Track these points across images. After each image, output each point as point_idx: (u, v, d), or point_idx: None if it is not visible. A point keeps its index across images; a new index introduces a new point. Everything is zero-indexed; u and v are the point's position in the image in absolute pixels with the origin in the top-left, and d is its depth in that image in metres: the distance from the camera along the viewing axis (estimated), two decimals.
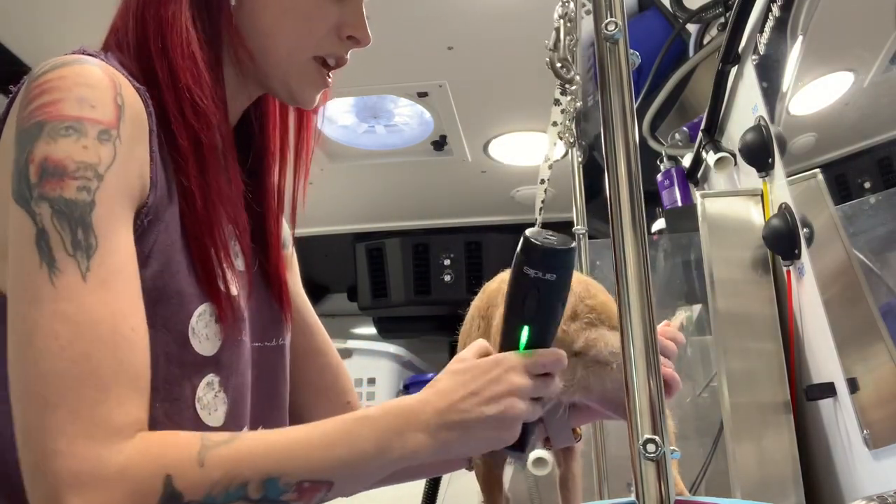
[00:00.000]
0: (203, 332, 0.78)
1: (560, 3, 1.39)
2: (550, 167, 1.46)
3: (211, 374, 0.79)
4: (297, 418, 0.98)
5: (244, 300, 0.85)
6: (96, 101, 0.72)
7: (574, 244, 0.76)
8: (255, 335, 0.88)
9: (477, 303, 0.98)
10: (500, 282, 0.96)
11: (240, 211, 0.86)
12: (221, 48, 0.85)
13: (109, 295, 0.69)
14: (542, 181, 1.45)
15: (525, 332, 0.75)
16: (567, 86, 1.36)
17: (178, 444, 0.68)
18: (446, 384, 0.73)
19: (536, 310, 0.74)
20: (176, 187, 0.79)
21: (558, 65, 1.27)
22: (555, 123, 1.47)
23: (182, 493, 0.65)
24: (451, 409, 0.72)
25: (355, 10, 0.87)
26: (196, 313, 0.78)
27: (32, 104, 0.72)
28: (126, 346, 0.68)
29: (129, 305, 0.70)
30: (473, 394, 0.72)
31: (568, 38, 1.32)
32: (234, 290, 0.82)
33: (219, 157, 0.82)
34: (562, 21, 1.35)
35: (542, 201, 1.47)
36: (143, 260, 0.74)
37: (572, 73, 1.30)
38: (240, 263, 0.86)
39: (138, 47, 0.82)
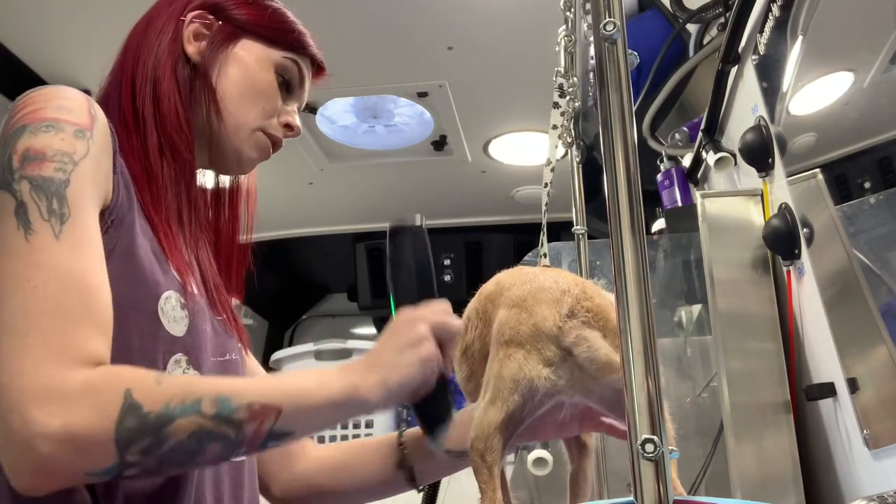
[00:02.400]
0: (171, 314, 0.86)
1: (564, 27, 1.40)
2: (552, 170, 1.46)
3: (179, 353, 0.86)
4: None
5: (203, 303, 0.94)
6: (73, 108, 0.83)
7: (403, 224, 0.91)
8: (215, 352, 0.94)
9: (474, 304, 0.98)
10: (496, 283, 0.96)
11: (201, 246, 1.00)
12: (194, 111, 0.98)
13: (79, 254, 0.76)
14: (546, 184, 1.45)
15: (391, 300, 0.91)
16: (565, 89, 1.36)
17: (137, 371, 0.76)
18: (373, 349, 0.87)
19: (391, 280, 0.91)
20: (136, 201, 0.88)
21: (562, 80, 1.29)
22: (555, 126, 1.47)
23: (141, 404, 0.72)
24: (377, 356, 0.85)
25: (292, 109, 1.06)
26: (163, 296, 0.86)
27: (16, 116, 0.81)
28: (93, 295, 0.76)
29: (97, 266, 0.78)
30: (392, 343, 0.86)
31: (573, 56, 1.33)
32: (190, 288, 0.91)
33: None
34: (564, 39, 1.36)
35: (546, 204, 1.47)
36: (109, 253, 0.82)
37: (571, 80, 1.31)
38: (193, 286, 0.94)
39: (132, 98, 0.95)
